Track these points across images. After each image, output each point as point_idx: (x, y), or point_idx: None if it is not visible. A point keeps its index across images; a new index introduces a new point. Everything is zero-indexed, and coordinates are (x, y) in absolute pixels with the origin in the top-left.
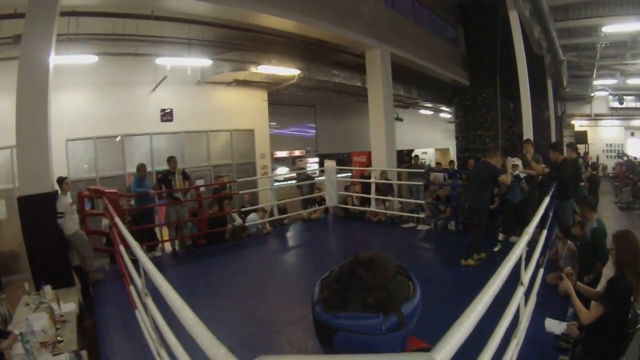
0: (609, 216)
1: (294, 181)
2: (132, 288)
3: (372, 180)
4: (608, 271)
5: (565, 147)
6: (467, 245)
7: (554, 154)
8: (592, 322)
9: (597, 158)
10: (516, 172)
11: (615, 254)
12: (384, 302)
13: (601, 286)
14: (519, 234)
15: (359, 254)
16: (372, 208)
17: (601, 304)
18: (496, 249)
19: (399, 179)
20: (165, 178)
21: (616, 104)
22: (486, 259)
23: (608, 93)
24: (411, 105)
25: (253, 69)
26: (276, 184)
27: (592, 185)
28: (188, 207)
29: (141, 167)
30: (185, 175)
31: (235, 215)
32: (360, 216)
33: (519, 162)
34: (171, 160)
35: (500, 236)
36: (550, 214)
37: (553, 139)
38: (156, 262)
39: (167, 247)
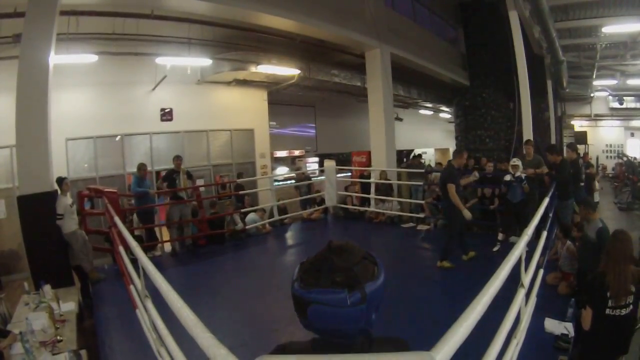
0: (608, 216)
1: (293, 181)
2: (132, 288)
3: (372, 180)
4: None
5: (565, 148)
6: (443, 247)
7: (551, 156)
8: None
9: (597, 158)
10: (517, 173)
11: (606, 249)
12: (349, 281)
13: None
14: (519, 234)
15: (331, 242)
16: (372, 208)
17: (588, 305)
18: (495, 248)
19: (399, 179)
20: (169, 177)
21: (616, 105)
22: (476, 257)
23: (608, 93)
24: (411, 105)
25: (253, 69)
26: (276, 183)
27: (586, 184)
28: (191, 207)
29: (142, 167)
30: (189, 175)
31: (237, 219)
32: (360, 216)
33: (518, 162)
34: (177, 159)
35: (500, 236)
36: (550, 214)
37: (553, 140)
38: (156, 261)
39: (167, 246)
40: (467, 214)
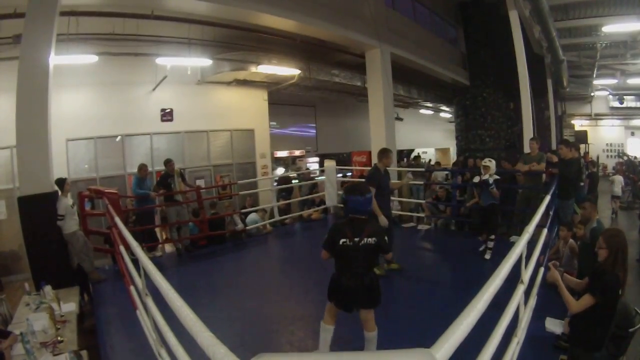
0: (609, 216)
1: (296, 181)
2: (132, 288)
3: None
4: None
5: None
6: None
7: (566, 150)
8: (580, 312)
9: (597, 158)
10: (486, 176)
11: (603, 250)
12: (360, 192)
13: None
14: (487, 237)
15: (354, 183)
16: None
17: (591, 295)
18: (487, 256)
19: (399, 178)
20: (164, 181)
21: (616, 104)
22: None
23: (608, 93)
24: (411, 105)
25: (253, 69)
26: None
27: (591, 182)
28: (190, 208)
29: (142, 167)
30: (182, 177)
31: (238, 219)
32: None
33: (491, 163)
34: (168, 163)
35: (490, 244)
36: (551, 213)
37: (553, 139)
38: (156, 262)
39: (167, 247)
40: (383, 221)
